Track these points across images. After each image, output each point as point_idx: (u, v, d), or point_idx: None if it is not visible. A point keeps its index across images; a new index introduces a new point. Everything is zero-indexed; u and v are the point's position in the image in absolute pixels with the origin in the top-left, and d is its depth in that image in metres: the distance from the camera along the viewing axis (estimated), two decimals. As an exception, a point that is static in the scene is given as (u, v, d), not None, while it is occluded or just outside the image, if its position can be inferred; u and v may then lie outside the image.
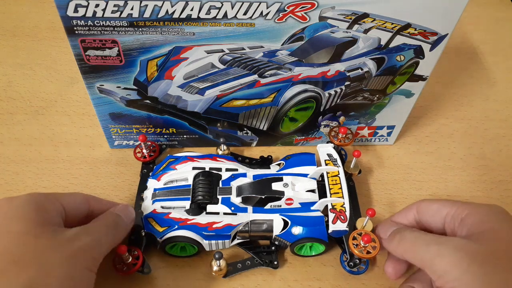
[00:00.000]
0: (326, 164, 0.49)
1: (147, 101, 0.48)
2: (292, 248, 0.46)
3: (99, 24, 0.40)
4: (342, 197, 0.46)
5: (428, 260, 0.37)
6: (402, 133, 0.58)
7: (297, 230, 0.44)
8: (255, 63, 0.45)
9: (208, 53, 0.44)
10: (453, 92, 0.64)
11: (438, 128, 0.60)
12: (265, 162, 0.53)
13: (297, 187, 0.46)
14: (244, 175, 0.48)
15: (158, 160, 0.52)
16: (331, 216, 0.45)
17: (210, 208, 0.45)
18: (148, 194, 0.47)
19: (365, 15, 0.41)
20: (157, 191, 0.47)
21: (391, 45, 0.44)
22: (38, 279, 0.32)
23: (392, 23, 0.42)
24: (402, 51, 0.45)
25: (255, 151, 0.56)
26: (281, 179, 0.46)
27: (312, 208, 0.46)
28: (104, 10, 0.39)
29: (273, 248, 0.46)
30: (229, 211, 0.45)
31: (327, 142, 0.52)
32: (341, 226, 0.44)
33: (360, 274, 0.45)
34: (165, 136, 0.54)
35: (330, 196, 0.46)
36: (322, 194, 0.47)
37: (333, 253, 0.47)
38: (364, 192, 0.53)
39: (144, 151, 0.51)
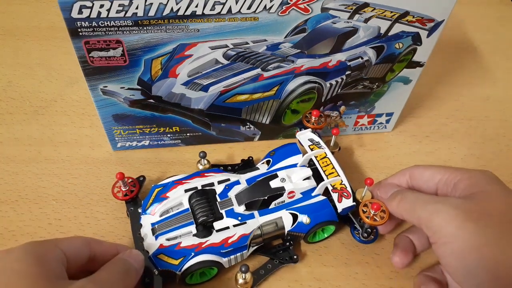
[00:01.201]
0: (312, 149, 0.49)
1: (151, 100, 0.48)
2: (306, 238, 0.46)
3: (103, 25, 0.40)
4: (338, 175, 0.47)
5: (424, 217, 0.39)
6: (402, 134, 0.59)
7: (307, 219, 0.45)
8: (258, 57, 0.45)
9: (212, 49, 0.44)
10: (453, 92, 0.65)
11: (438, 128, 0.60)
12: (247, 164, 0.52)
13: (293, 179, 0.47)
14: (237, 182, 0.47)
15: (141, 193, 0.49)
16: (335, 196, 0.45)
17: (217, 225, 0.44)
18: (146, 231, 0.44)
19: (366, 5, 0.42)
20: (156, 225, 0.44)
21: (390, 33, 0.45)
22: None
23: (391, 12, 0.43)
24: (400, 39, 0.46)
25: (257, 147, 0.56)
26: (276, 176, 0.46)
27: (313, 194, 0.47)
28: (108, 10, 0.39)
29: (287, 244, 0.46)
30: (238, 222, 0.44)
31: (301, 129, 0.52)
32: (348, 202, 0.45)
33: (373, 242, 0.47)
34: (169, 135, 0.54)
35: (327, 178, 0.46)
36: (317, 178, 0.47)
37: (334, 253, 0.48)
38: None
39: (123, 188, 0.47)
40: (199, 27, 0.42)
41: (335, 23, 0.44)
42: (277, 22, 0.42)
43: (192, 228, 0.43)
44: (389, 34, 0.45)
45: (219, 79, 0.47)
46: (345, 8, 0.42)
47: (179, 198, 0.46)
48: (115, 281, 0.36)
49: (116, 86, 0.46)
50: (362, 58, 0.48)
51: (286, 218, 0.45)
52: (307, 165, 0.49)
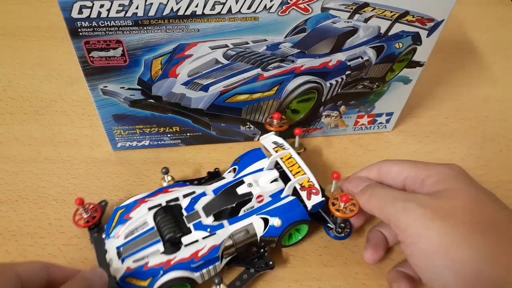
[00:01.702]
0: (276, 151, 0.49)
1: (151, 100, 0.48)
2: (279, 242, 0.46)
3: (103, 25, 0.40)
4: (305, 173, 0.47)
5: (393, 215, 0.38)
6: (402, 134, 0.59)
7: (278, 222, 0.44)
8: (258, 57, 0.45)
9: (212, 49, 0.44)
10: (453, 92, 0.65)
11: (438, 128, 0.60)
12: (214, 176, 0.51)
13: (260, 182, 0.46)
14: (203, 194, 0.46)
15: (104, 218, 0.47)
16: (304, 194, 0.45)
17: (186, 239, 0.42)
18: (111, 256, 0.42)
19: (366, 4, 0.42)
20: (121, 248, 0.42)
21: (390, 33, 0.46)
22: None
23: (391, 11, 0.43)
24: (400, 39, 0.46)
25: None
26: (242, 182, 0.46)
27: (282, 196, 0.46)
28: (109, 10, 0.39)
29: (262, 250, 0.45)
30: (207, 234, 0.43)
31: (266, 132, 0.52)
32: (318, 198, 0.45)
33: (347, 238, 0.47)
34: (169, 135, 0.54)
35: (294, 177, 0.46)
36: (285, 179, 0.47)
37: (333, 253, 0.48)
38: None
39: (85, 215, 0.45)
40: (199, 27, 0.42)
41: (335, 23, 0.44)
42: (277, 22, 0.42)
43: (160, 246, 0.42)
44: (389, 33, 0.46)
45: (219, 79, 0.47)
46: (345, 8, 0.42)
47: (143, 217, 0.44)
48: None
49: (116, 86, 0.46)
50: (362, 58, 0.48)
51: (257, 224, 0.44)
52: (274, 168, 0.49)
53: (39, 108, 0.59)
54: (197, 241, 0.42)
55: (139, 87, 0.47)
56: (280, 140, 0.50)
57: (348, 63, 0.48)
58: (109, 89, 0.46)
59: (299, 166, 0.47)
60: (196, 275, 0.42)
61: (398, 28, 0.45)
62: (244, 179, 0.46)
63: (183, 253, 0.41)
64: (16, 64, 0.64)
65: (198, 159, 0.55)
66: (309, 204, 0.45)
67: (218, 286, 0.41)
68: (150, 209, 0.44)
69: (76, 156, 0.55)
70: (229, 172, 0.50)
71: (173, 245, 0.42)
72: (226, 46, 0.44)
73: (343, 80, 0.50)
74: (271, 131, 0.52)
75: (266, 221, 0.44)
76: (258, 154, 0.50)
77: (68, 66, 0.64)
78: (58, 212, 0.49)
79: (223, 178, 0.49)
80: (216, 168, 0.52)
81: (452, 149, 0.58)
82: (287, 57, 0.46)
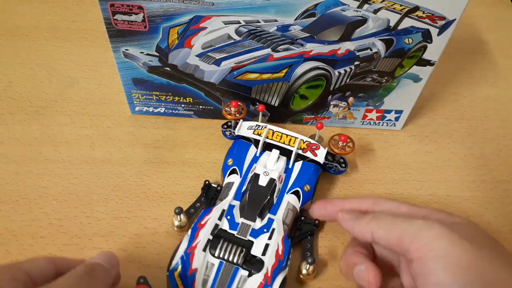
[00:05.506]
0: (259, 134, 0.51)
1: (167, 68, 0.52)
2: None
3: (127, -11, 0.44)
4: (296, 138, 0.51)
5: (412, 231, 0.37)
6: (402, 134, 0.59)
7: (307, 187, 0.49)
8: (269, 37, 0.48)
9: (225, 24, 0.47)
10: (452, 92, 0.65)
11: (438, 128, 0.60)
12: (209, 189, 0.50)
13: (269, 166, 0.49)
14: (232, 207, 0.46)
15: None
16: (309, 154, 0.50)
17: (256, 251, 0.43)
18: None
19: (375, -5, 0.44)
20: None
21: (400, 27, 0.46)
22: None
23: (401, 5, 0.44)
24: (410, 34, 0.47)
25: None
26: (258, 174, 0.48)
27: (290, 166, 0.50)
28: (132, -24, 0.43)
29: (302, 218, 0.48)
30: (268, 234, 0.44)
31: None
32: (322, 151, 0.51)
33: (344, 172, 0.53)
34: (183, 105, 0.57)
35: (291, 146, 0.50)
36: (283, 152, 0.51)
37: (333, 252, 0.48)
38: (363, 192, 0.54)
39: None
40: (213, 0, 0.44)
41: (344, 11, 0.45)
42: (288, 3, 0.44)
43: (242, 272, 0.42)
44: (399, 28, 0.46)
45: (231, 54, 0.50)
46: (354, -4, 0.44)
47: (204, 260, 0.43)
48: (73, 283, 0.35)
49: (136, 51, 0.50)
50: (371, 50, 0.49)
51: (292, 199, 0.48)
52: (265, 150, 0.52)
53: (40, 108, 0.59)
54: (268, 244, 0.43)
55: (157, 54, 0.50)
56: (252, 123, 0.53)
57: (357, 54, 0.49)
58: (130, 52, 0.50)
59: (287, 135, 0.51)
60: (286, 270, 0.43)
61: (408, 23, 0.46)
62: (256, 171, 0.48)
63: (269, 261, 0.42)
64: (16, 64, 0.63)
65: (198, 159, 0.55)
66: (320, 159, 0.50)
67: (308, 266, 0.44)
68: (204, 250, 0.43)
69: (77, 156, 0.54)
70: (229, 175, 0.50)
71: (253, 263, 0.42)
72: (239, 22, 0.47)
73: (351, 70, 0.51)
74: (228, 119, 0.54)
75: (297, 193, 0.48)
76: (243, 145, 0.52)
77: (68, 66, 0.64)
78: (58, 212, 0.50)
79: (232, 183, 0.49)
80: (206, 181, 0.51)
81: (452, 149, 0.58)
82: (296, 40, 0.48)
